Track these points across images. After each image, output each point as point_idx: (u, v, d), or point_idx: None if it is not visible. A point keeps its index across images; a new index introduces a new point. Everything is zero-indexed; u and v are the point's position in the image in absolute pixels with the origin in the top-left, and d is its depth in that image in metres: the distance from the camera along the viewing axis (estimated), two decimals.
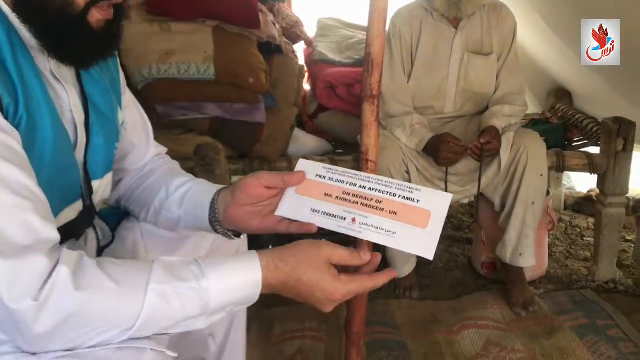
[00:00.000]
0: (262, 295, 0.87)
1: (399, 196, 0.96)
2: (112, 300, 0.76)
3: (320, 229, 0.97)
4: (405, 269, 2.16)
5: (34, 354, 0.77)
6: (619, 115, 2.24)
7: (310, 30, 3.14)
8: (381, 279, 0.91)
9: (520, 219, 2.01)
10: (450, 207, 2.85)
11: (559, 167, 2.27)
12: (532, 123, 2.71)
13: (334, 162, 2.15)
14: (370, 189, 0.98)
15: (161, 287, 0.79)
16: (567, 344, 1.85)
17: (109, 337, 0.77)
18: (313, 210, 0.98)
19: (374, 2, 1.13)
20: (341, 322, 1.93)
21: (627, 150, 2.20)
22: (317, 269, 0.86)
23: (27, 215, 0.75)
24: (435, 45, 2.13)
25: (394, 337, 1.90)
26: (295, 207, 0.99)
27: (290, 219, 1.00)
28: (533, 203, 2.00)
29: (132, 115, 1.18)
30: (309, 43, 3.02)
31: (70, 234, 0.96)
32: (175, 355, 0.84)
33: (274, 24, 2.65)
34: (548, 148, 2.10)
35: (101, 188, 1.05)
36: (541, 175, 2.00)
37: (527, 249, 2.04)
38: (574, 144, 2.57)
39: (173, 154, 1.30)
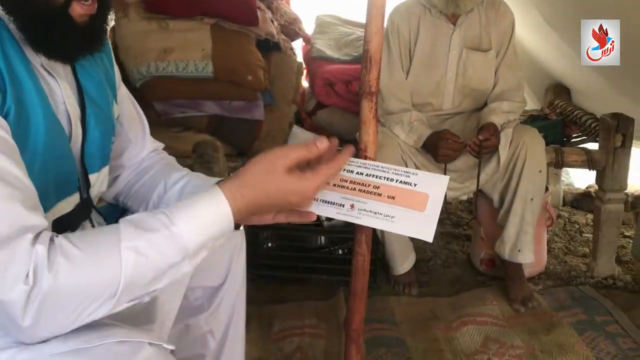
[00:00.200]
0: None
1: (397, 181, 0.97)
2: (89, 270, 0.75)
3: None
4: (404, 266, 2.17)
5: (31, 348, 0.77)
6: (617, 111, 2.24)
7: (309, 27, 3.14)
8: (342, 158, 0.92)
9: (519, 215, 2.02)
10: (449, 203, 2.83)
11: (557, 163, 2.27)
12: (531, 119, 2.71)
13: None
14: (367, 175, 0.99)
15: (133, 243, 0.78)
16: (566, 340, 1.86)
17: (97, 309, 0.77)
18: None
19: None
20: (340, 319, 1.93)
21: (626, 146, 2.20)
22: (281, 179, 0.86)
23: (13, 204, 0.74)
24: (434, 42, 2.12)
25: (393, 334, 1.90)
26: None
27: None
28: (532, 199, 2.00)
29: (128, 111, 1.19)
30: (307, 40, 3.02)
31: (66, 226, 0.97)
32: (172, 347, 0.85)
33: (272, 21, 2.64)
34: (547, 144, 2.10)
35: (98, 181, 1.05)
36: (540, 171, 2.00)
37: (525, 245, 2.05)
38: (572, 140, 2.57)
39: (172, 152, 1.30)
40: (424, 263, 2.40)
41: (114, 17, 2.33)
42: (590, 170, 2.28)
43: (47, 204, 0.82)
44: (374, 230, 1.89)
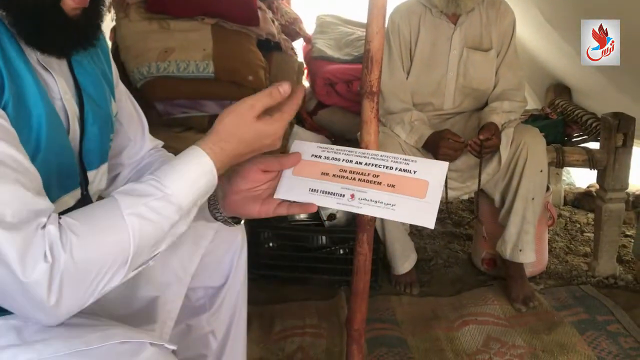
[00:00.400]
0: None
1: (396, 169, 0.97)
2: (101, 242, 0.79)
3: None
4: (405, 266, 2.17)
5: (32, 348, 0.78)
6: (618, 110, 2.25)
7: (309, 27, 3.14)
8: (300, 94, 0.94)
9: (520, 215, 2.02)
10: (450, 203, 2.83)
11: (558, 163, 2.27)
12: (532, 119, 2.71)
13: None
14: (366, 164, 0.99)
15: (135, 209, 0.81)
16: (568, 339, 1.86)
17: (112, 278, 0.80)
18: (312, 190, 0.99)
19: None
20: (341, 319, 1.94)
21: (627, 145, 2.20)
22: (253, 127, 0.90)
23: (21, 189, 0.76)
24: (434, 42, 2.12)
25: (395, 334, 1.90)
26: (294, 188, 1.00)
27: (289, 201, 1.00)
28: (533, 199, 2.00)
29: (127, 109, 1.19)
30: (307, 40, 3.02)
31: None
32: (174, 347, 0.85)
33: (273, 21, 2.65)
34: (548, 144, 2.10)
35: (97, 179, 1.05)
36: (541, 171, 2.00)
37: (527, 245, 2.04)
38: (573, 140, 2.57)
39: (173, 152, 1.29)
40: (425, 263, 2.40)
41: (114, 17, 2.33)
42: (591, 169, 2.28)
43: (50, 197, 0.82)
44: (375, 230, 1.89)
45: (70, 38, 0.92)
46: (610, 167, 2.22)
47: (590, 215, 2.83)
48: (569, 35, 2.37)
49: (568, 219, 2.85)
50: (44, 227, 0.75)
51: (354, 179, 0.98)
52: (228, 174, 1.01)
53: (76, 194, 0.99)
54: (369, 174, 0.98)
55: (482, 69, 2.13)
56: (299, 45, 3.06)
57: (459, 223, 2.79)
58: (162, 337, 1.05)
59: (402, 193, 0.94)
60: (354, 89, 2.53)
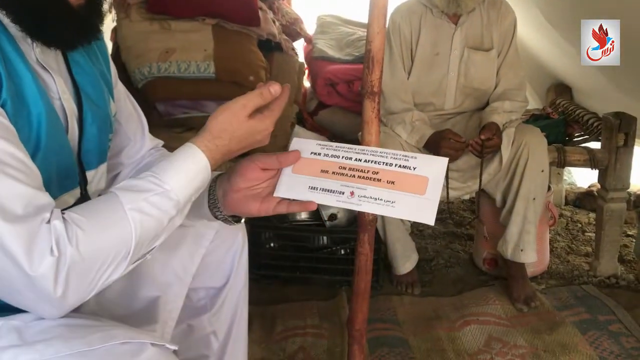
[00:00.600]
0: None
1: (395, 165, 0.97)
2: (105, 236, 0.81)
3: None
4: (406, 266, 2.17)
5: (33, 349, 0.77)
6: (619, 110, 2.24)
7: (310, 28, 3.14)
8: (287, 91, 0.98)
9: (522, 215, 2.01)
10: (451, 203, 2.83)
11: (559, 163, 2.27)
12: (533, 119, 2.71)
13: None
14: (366, 161, 0.99)
15: (135, 204, 0.84)
16: (569, 339, 1.85)
17: (114, 270, 0.83)
18: (311, 188, 0.99)
19: None
20: (343, 319, 1.93)
21: (628, 145, 2.20)
22: (245, 125, 0.94)
23: (23, 185, 0.77)
24: (435, 42, 2.12)
25: (396, 334, 1.90)
26: (293, 186, 1.00)
27: (289, 199, 1.00)
28: (534, 199, 2.00)
29: (126, 109, 1.19)
30: (308, 40, 3.03)
31: None
32: (175, 347, 0.85)
33: (274, 22, 2.65)
34: (549, 143, 2.09)
35: (95, 178, 1.05)
36: (542, 170, 2.00)
37: (528, 245, 2.04)
38: (574, 140, 2.57)
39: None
40: (427, 263, 2.40)
41: (115, 18, 2.33)
42: (592, 169, 2.27)
43: (50, 196, 0.83)
44: (376, 230, 1.89)
45: (75, 30, 0.93)
46: (611, 166, 2.22)
47: (592, 215, 2.83)
48: (570, 35, 2.37)
49: (569, 219, 2.85)
50: (48, 222, 0.77)
51: (354, 176, 0.98)
52: (228, 173, 1.02)
53: (75, 193, 0.99)
54: (368, 171, 0.97)
55: (483, 69, 2.13)
56: (299, 46, 3.07)
57: (460, 223, 2.79)
58: (163, 338, 1.05)
59: (402, 190, 0.94)
60: (355, 89, 2.53)
